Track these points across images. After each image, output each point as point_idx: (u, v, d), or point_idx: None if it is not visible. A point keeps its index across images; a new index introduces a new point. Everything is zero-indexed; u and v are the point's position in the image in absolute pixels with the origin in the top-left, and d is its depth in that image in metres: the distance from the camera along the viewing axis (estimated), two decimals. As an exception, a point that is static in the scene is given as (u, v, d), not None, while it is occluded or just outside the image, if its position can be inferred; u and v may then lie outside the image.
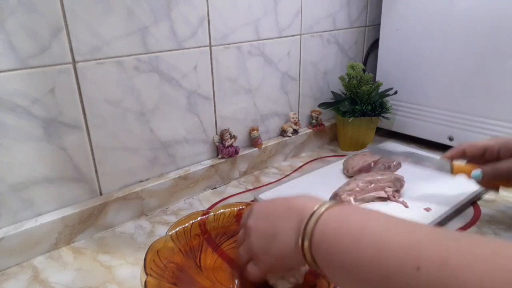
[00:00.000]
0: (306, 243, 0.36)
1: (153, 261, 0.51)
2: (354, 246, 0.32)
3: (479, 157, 0.58)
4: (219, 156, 0.77)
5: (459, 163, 0.60)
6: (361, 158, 0.76)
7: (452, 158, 0.60)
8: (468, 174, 0.58)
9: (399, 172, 0.74)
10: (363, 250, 0.31)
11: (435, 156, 0.73)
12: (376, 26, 1.01)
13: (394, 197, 0.66)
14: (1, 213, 0.54)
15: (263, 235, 0.42)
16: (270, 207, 0.43)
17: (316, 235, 0.35)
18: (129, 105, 0.63)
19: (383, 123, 0.95)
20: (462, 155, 0.60)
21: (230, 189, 0.75)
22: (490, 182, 0.59)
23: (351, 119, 0.86)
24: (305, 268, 0.46)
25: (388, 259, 0.29)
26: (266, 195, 0.69)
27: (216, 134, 0.76)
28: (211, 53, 0.71)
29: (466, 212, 0.64)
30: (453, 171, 0.60)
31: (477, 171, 0.57)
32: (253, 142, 0.82)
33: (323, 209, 0.37)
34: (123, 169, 0.65)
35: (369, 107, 0.86)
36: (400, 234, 0.30)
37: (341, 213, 0.36)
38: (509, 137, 0.59)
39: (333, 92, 0.95)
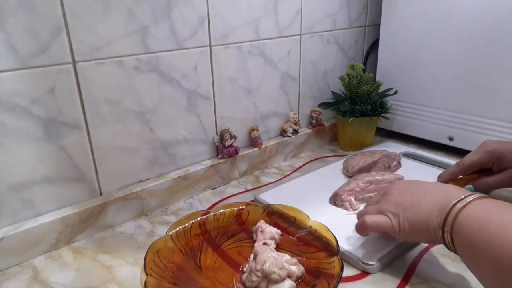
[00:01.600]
0: (447, 227, 0.41)
1: (153, 261, 0.51)
2: (500, 231, 0.36)
3: (474, 173, 0.64)
4: (219, 156, 0.77)
5: (454, 180, 0.65)
6: (361, 158, 0.76)
7: (448, 182, 0.65)
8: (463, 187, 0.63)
9: (399, 172, 0.74)
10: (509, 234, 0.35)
11: (452, 164, 0.76)
12: (376, 26, 1.01)
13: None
14: (1, 213, 0.54)
15: (407, 201, 0.47)
16: (415, 183, 0.49)
17: (458, 220, 0.40)
18: (129, 105, 0.63)
19: (383, 123, 0.95)
20: (458, 176, 0.65)
21: (230, 189, 0.75)
22: None
23: (351, 119, 0.86)
24: (293, 284, 0.46)
25: None
26: (266, 195, 0.69)
27: (216, 134, 0.76)
28: (211, 53, 0.71)
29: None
30: None
31: (470, 187, 0.62)
32: (253, 142, 0.82)
33: (468, 199, 0.41)
34: (123, 169, 0.65)
35: (369, 107, 0.86)
36: None
37: (487, 203, 0.40)
38: (502, 144, 0.62)
39: (333, 92, 0.95)
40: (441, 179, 0.65)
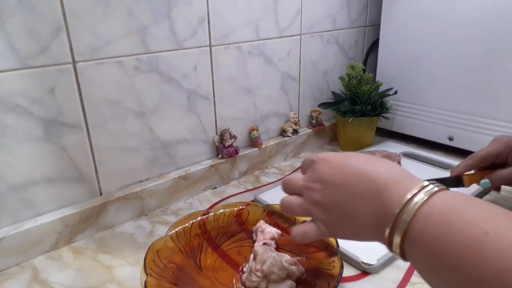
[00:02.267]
0: (396, 238, 0.30)
1: (153, 261, 0.51)
2: (474, 255, 0.25)
3: (489, 166, 0.60)
4: (219, 156, 0.77)
5: (469, 174, 0.62)
6: (361, 158, 0.76)
7: (462, 174, 0.62)
8: (478, 183, 0.60)
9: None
10: (474, 235, 0.26)
11: (452, 164, 0.76)
12: (376, 26, 1.01)
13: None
14: (1, 213, 0.54)
15: (334, 208, 0.36)
16: (340, 172, 0.36)
17: (413, 232, 0.29)
18: (129, 105, 0.63)
19: (383, 123, 0.95)
20: (472, 168, 0.62)
21: (230, 189, 0.75)
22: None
23: (351, 119, 0.86)
24: (293, 284, 0.46)
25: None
26: (266, 195, 0.69)
27: (216, 134, 0.76)
28: (211, 53, 0.71)
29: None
30: (465, 184, 0.61)
31: (486, 181, 0.59)
32: (253, 142, 0.82)
33: (424, 196, 0.30)
34: (123, 169, 0.65)
35: (369, 107, 0.86)
36: None
37: (450, 206, 0.29)
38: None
39: (333, 92, 0.95)
40: (455, 172, 0.61)
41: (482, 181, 0.59)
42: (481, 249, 0.25)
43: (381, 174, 0.34)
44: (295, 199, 0.41)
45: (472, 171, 0.62)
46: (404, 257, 0.31)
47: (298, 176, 0.42)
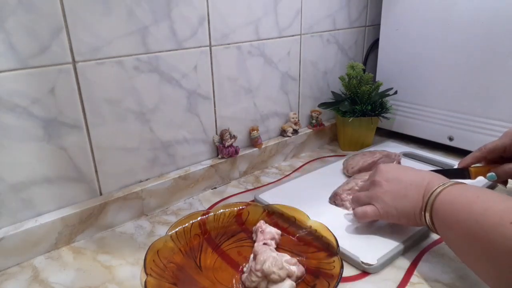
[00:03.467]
0: (427, 215, 0.49)
1: (153, 261, 0.51)
2: (467, 208, 0.43)
3: (496, 159, 0.62)
4: (219, 156, 0.77)
5: (476, 167, 0.63)
6: (361, 158, 0.76)
7: (469, 166, 0.63)
8: (484, 176, 0.61)
9: (399, 172, 0.73)
10: (474, 210, 0.42)
11: (452, 164, 0.78)
12: (376, 26, 1.01)
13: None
14: (1, 213, 0.54)
15: (395, 192, 0.53)
16: (401, 172, 0.55)
17: (436, 204, 0.47)
18: (129, 105, 0.63)
19: (383, 123, 0.95)
20: (480, 161, 0.63)
21: (230, 189, 0.75)
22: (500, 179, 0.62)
23: (351, 119, 0.86)
24: (293, 284, 0.46)
25: (492, 215, 0.40)
26: (266, 195, 0.69)
27: (216, 134, 0.76)
28: (211, 53, 0.71)
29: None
30: (472, 176, 0.63)
31: (492, 174, 0.60)
32: (253, 142, 0.82)
33: (445, 186, 0.48)
34: (123, 169, 0.65)
35: (369, 107, 0.86)
36: (503, 201, 0.41)
37: (458, 189, 0.47)
38: None
39: (333, 92, 0.95)
40: (463, 163, 0.64)
41: (489, 174, 0.60)
42: (470, 205, 0.43)
43: (426, 174, 0.53)
44: (366, 206, 0.56)
45: (479, 164, 0.63)
46: (434, 227, 0.48)
47: (361, 193, 0.60)
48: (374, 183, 0.56)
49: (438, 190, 0.48)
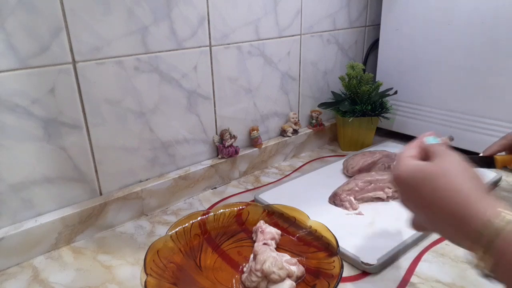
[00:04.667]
0: (487, 258, 0.32)
1: (153, 261, 0.51)
2: None
3: None
4: (219, 156, 0.77)
5: (501, 156, 0.60)
6: (361, 158, 0.76)
7: (495, 154, 0.60)
8: (510, 165, 0.58)
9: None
10: None
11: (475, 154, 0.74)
12: (376, 26, 1.01)
13: (394, 197, 0.66)
14: (1, 213, 0.54)
15: (431, 222, 0.37)
16: (427, 197, 0.36)
17: (501, 249, 0.31)
18: (129, 105, 0.63)
19: (383, 123, 0.95)
20: (506, 149, 0.59)
21: (230, 189, 0.75)
22: None
23: (351, 119, 0.86)
24: (293, 284, 0.46)
25: None
26: (266, 195, 0.69)
27: (216, 134, 0.76)
28: (211, 53, 0.71)
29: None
30: (497, 165, 0.59)
31: None
32: (253, 142, 0.82)
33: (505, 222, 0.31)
34: (123, 169, 0.65)
35: (369, 107, 0.86)
36: None
37: None
38: None
39: (333, 92, 0.95)
40: (489, 151, 0.59)
41: None
42: None
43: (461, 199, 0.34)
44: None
45: (504, 153, 0.60)
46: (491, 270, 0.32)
47: None
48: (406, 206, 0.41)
49: (496, 229, 0.31)
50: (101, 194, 0.63)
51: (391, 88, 0.91)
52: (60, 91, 0.55)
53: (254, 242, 0.55)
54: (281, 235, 0.56)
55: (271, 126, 0.86)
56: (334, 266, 0.48)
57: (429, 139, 0.46)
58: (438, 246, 0.55)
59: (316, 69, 0.92)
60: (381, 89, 0.89)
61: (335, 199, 0.66)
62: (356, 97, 0.87)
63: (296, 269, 0.47)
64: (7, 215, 0.55)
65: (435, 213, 0.35)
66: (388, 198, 0.66)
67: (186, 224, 0.59)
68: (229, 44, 0.73)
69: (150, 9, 0.61)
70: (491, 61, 0.75)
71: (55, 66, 0.54)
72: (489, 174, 0.73)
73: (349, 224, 0.60)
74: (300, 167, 0.85)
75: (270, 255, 0.47)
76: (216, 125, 0.76)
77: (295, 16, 0.82)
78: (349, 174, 0.75)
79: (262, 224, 0.56)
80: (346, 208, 0.64)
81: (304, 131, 0.91)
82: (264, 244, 0.52)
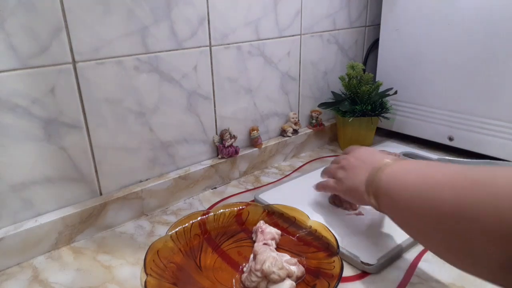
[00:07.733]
0: (371, 189, 0.48)
1: (153, 261, 0.51)
2: (411, 183, 0.42)
3: None
4: (219, 156, 0.77)
5: None
6: (361, 158, 0.76)
7: None
8: None
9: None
10: (414, 183, 0.41)
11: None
12: (376, 26, 1.01)
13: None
14: (1, 213, 0.54)
15: (353, 169, 0.54)
16: (368, 153, 0.55)
17: (379, 182, 0.46)
18: (129, 105, 0.63)
19: (383, 123, 0.95)
20: None
21: (230, 189, 0.75)
22: None
23: (351, 119, 0.86)
24: (293, 284, 0.46)
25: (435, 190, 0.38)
26: (266, 195, 0.69)
27: (216, 134, 0.76)
28: (211, 53, 0.71)
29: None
30: None
31: None
32: (253, 142, 0.82)
33: (389, 162, 0.48)
34: (123, 169, 0.65)
35: (369, 107, 0.86)
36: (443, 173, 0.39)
37: (400, 166, 0.46)
38: None
39: (333, 92, 0.95)
40: None
41: None
42: (408, 178, 0.42)
43: (388, 157, 0.51)
44: (329, 179, 0.60)
45: None
46: (378, 206, 0.47)
47: (332, 165, 0.62)
48: (344, 159, 0.58)
49: (382, 167, 0.47)
50: (101, 194, 0.63)
51: (391, 88, 0.91)
52: (60, 91, 0.55)
53: (254, 242, 0.55)
54: (281, 235, 0.56)
55: (271, 126, 0.86)
56: (334, 266, 0.48)
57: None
58: (438, 246, 0.55)
59: (316, 69, 0.92)
60: (381, 89, 0.89)
61: (335, 199, 0.66)
62: (356, 97, 0.87)
63: (296, 269, 0.47)
64: (7, 215, 0.55)
65: (365, 162, 0.52)
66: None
67: (186, 224, 0.59)
68: (229, 44, 0.73)
69: (150, 9, 0.61)
70: (491, 61, 0.75)
71: (55, 66, 0.54)
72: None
73: (349, 224, 0.60)
74: (300, 167, 0.85)
75: (270, 255, 0.47)
76: (216, 125, 0.76)
77: (295, 16, 0.82)
78: (349, 174, 0.75)
79: (262, 224, 0.56)
80: (346, 208, 0.64)
81: (304, 131, 0.91)
82: (264, 244, 0.52)
